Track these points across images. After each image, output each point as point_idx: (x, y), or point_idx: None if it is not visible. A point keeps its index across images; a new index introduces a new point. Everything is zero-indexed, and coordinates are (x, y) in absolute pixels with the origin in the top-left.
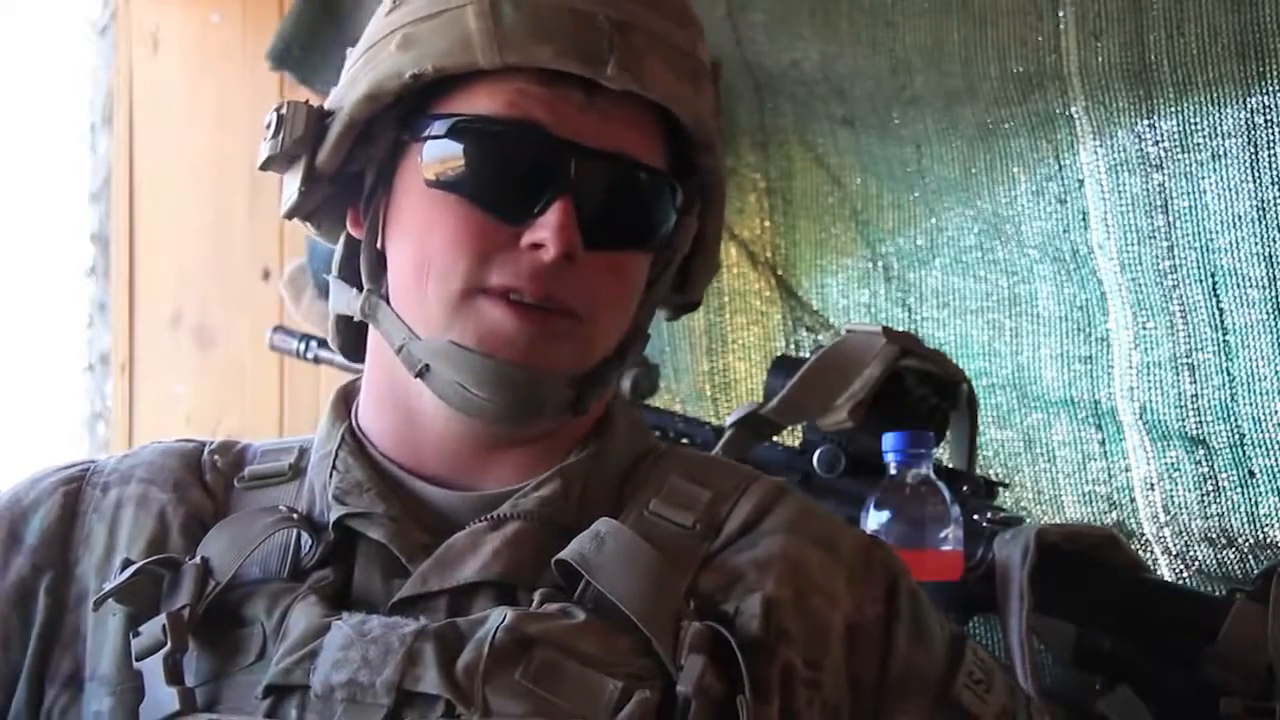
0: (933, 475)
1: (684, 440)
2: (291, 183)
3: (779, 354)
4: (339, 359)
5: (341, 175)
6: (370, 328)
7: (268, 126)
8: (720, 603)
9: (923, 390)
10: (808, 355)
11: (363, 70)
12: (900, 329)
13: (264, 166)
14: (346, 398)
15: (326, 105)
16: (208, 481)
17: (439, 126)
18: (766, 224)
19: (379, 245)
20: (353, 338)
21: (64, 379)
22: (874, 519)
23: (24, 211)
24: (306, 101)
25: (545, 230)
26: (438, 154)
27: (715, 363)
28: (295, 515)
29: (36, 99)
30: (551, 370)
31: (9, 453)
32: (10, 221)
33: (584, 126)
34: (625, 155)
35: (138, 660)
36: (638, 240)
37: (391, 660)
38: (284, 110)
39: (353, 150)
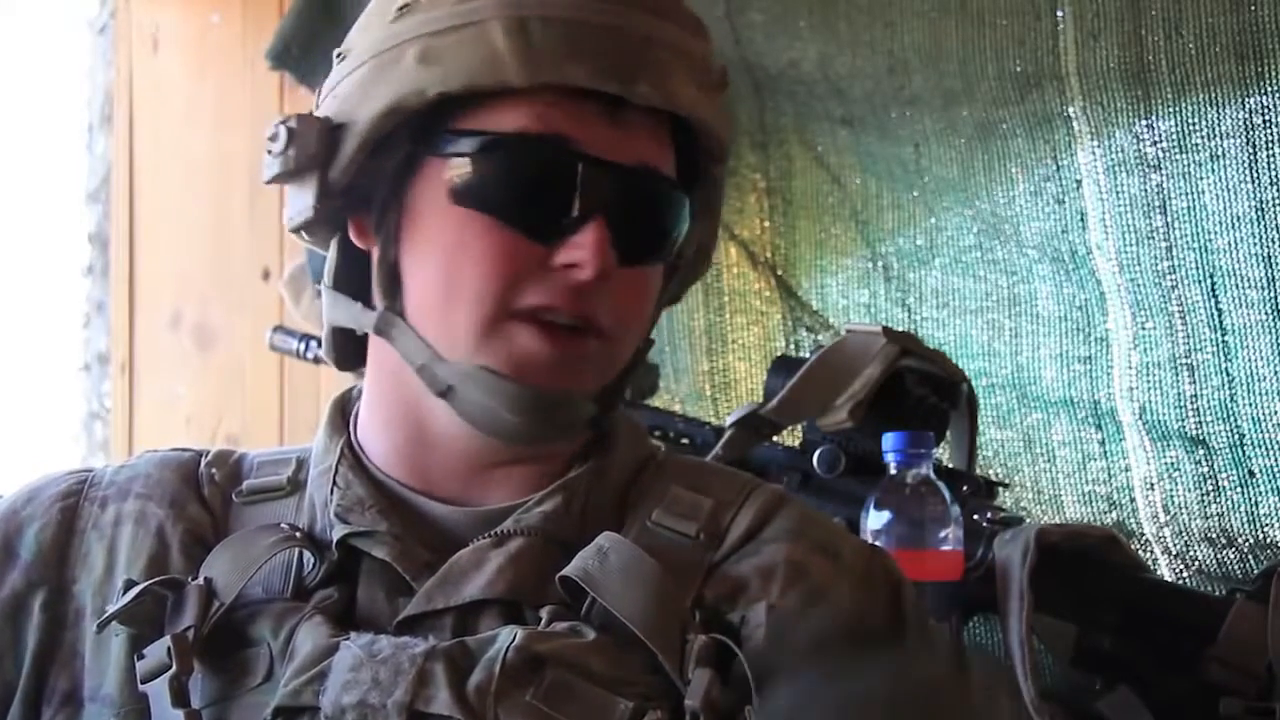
0: (933, 475)
1: (684, 440)
2: (300, 197)
3: (779, 354)
4: None
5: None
6: (373, 342)
7: (274, 139)
8: (725, 612)
9: (923, 390)
10: (808, 355)
11: (375, 82)
12: (900, 329)
13: (271, 181)
14: (343, 408)
15: (334, 117)
16: (205, 496)
17: (467, 144)
18: (766, 224)
19: (393, 261)
20: (350, 350)
21: (62, 379)
22: (874, 519)
23: (22, 211)
24: (312, 114)
25: (582, 250)
26: (465, 171)
27: (715, 363)
28: (298, 534)
29: (35, 99)
30: (581, 390)
31: (7, 453)
32: (9, 221)
33: (612, 142)
34: (650, 169)
35: (143, 683)
36: (661, 253)
37: (402, 681)
38: (293, 124)
39: (362, 163)
